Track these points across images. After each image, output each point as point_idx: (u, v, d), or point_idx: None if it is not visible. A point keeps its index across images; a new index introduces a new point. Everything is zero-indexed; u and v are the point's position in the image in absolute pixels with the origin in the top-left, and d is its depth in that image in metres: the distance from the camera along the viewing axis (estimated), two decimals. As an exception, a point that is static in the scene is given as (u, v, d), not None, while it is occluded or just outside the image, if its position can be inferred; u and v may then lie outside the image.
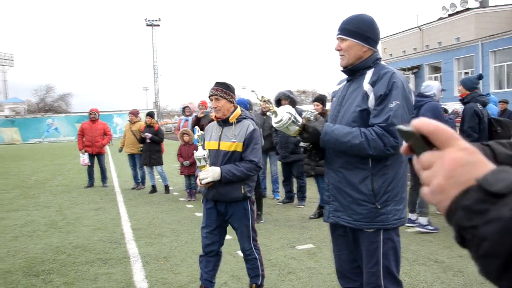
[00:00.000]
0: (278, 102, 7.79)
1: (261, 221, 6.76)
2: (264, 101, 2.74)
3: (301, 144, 2.68)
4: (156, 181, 10.24)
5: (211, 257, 3.86)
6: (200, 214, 7.40)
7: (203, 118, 8.88)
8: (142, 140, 9.97)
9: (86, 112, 12.39)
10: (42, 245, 5.93)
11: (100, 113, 12.31)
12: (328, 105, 6.31)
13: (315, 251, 5.28)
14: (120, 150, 11.19)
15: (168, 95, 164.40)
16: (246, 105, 7.07)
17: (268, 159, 8.79)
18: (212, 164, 3.62)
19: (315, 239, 5.80)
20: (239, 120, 3.73)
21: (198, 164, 3.59)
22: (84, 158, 11.05)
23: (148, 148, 9.86)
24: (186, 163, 8.74)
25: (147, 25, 73.86)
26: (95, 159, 11.31)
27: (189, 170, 8.76)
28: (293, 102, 7.77)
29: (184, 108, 10.49)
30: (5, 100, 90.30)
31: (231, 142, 3.61)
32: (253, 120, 3.81)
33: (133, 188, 10.75)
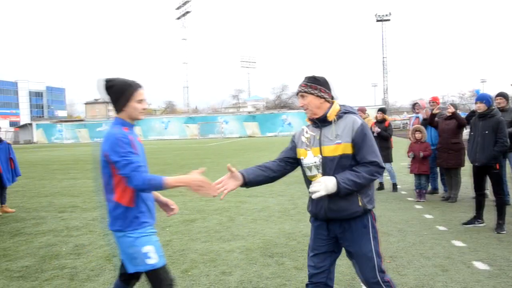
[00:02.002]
0: None
1: (503, 232, 5.98)
2: None
3: None
4: (383, 178, 10.09)
5: None
6: (430, 216, 7.01)
7: (437, 114, 8.39)
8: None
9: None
10: (276, 229, 6.49)
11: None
12: None
13: None
14: None
15: (397, 91, 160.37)
16: (489, 100, 6.32)
17: (507, 161, 7.68)
18: None
19: None
20: (340, 116, 2.98)
21: (307, 173, 2.88)
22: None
23: (377, 145, 9.74)
24: (421, 154, 8.36)
25: (377, 20, 73.32)
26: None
27: (420, 169, 8.37)
28: None
29: (413, 105, 10.04)
30: (248, 98, 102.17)
31: (336, 144, 2.88)
32: (358, 115, 3.03)
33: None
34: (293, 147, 3.13)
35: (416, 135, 8.53)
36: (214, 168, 15.66)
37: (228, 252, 5.41)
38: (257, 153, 23.22)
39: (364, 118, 10.88)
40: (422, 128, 8.58)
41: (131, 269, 2.89)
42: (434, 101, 8.83)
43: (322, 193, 2.76)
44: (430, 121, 8.55)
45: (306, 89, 2.98)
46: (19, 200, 10.09)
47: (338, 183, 2.76)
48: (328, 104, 3.00)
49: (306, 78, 3.05)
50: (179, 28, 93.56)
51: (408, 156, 8.67)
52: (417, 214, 7.24)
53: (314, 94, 2.97)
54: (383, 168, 2.93)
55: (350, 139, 2.86)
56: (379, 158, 2.90)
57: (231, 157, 21.29)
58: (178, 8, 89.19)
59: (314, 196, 2.81)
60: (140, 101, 2.91)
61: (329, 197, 2.83)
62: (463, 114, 9.30)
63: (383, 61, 73.32)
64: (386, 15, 72.56)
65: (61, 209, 8.76)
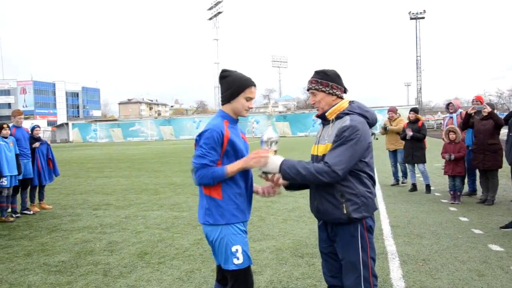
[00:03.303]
0: None
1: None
2: None
3: None
4: (417, 180, 9.90)
5: None
6: (465, 219, 6.83)
7: (474, 114, 8.14)
8: (404, 137, 9.77)
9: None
10: (306, 230, 6.45)
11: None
12: None
13: None
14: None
15: (431, 90, 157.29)
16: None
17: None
18: None
19: None
20: (339, 116, 2.77)
21: (262, 147, 2.88)
22: None
23: (410, 145, 9.59)
24: (451, 156, 8.16)
25: (411, 18, 72.06)
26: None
27: (454, 170, 8.16)
28: None
29: (447, 105, 9.79)
30: (279, 97, 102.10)
31: (324, 144, 2.76)
32: (362, 115, 2.77)
33: (392, 185, 10.66)
34: None
35: (450, 135, 8.32)
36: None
37: (258, 252, 5.42)
38: (288, 154, 23.13)
39: (395, 119, 10.71)
40: (456, 128, 8.36)
41: (223, 265, 2.79)
42: (477, 99, 8.53)
43: (263, 168, 2.75)
44: (465, 122, 8.30)
45: (316, 86, 2.82)
46: (55, 197, 10.40)
47: (281, 166, 2.68)
48: (336, 101, 2.83)
49: (315, 73, 2.87)
50: (211, 29, 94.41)
51: (443, 158, 8.47)
52: (451, 217, 7.07)
53: (325, 91, 2.81)
54: (336, 173, 2.59)
55: (332, 139, 2.70)
56: (335, 161, 2.59)
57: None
58: (210, 9, 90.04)
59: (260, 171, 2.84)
60: (249, 98, 2.83)
61: (318, 198, 2.80)
62: (501, 115, 9.01)
63: (417, 60, 71.94)
64: (420, 12, 71.14)
65: (95, 207, 8.98)
